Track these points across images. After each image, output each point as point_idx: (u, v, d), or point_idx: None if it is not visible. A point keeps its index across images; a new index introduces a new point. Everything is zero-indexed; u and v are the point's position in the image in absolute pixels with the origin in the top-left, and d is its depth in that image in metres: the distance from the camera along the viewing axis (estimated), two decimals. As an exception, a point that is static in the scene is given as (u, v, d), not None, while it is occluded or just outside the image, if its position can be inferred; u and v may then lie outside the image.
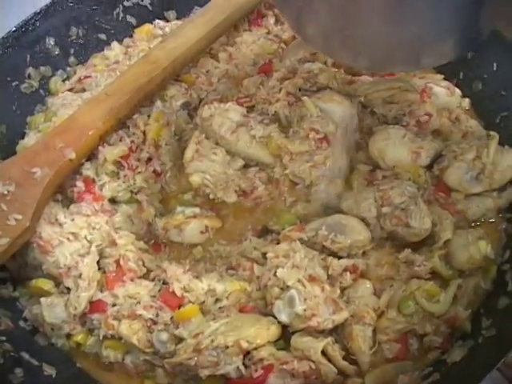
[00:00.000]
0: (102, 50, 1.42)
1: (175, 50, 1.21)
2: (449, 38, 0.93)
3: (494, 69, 1.24)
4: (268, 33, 1.40)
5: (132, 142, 1.17)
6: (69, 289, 1.08)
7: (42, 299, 1.07)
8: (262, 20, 1.41)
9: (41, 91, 1.36)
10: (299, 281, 1.00)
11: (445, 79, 1.27)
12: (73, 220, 1.11)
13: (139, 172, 1.16)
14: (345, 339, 1.00)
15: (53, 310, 1.07)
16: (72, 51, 1.40)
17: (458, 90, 1.26)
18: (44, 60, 1.37)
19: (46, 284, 1.10)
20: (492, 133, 1.11)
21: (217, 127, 1.18)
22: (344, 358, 0.98)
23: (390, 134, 1.14)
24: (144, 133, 1.18)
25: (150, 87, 1.19)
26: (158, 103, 1.22)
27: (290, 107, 1.22)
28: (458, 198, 1.11)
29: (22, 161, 1.10)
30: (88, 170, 1.15)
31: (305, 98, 1.18)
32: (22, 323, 1.11)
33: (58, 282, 1.10)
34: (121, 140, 1.17)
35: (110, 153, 1.14)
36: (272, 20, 1.41)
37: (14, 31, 1.31)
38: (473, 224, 1.11)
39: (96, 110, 1.14)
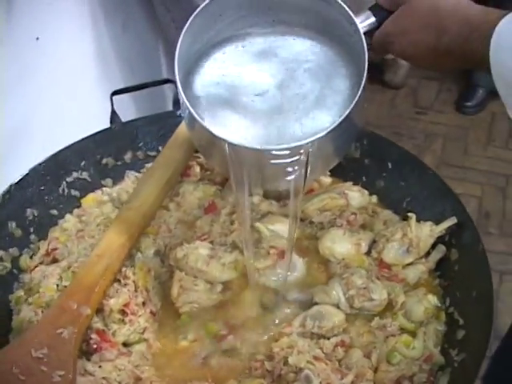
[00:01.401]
0: (57, 223, 1.77)
1: (141, 207, 1.59)
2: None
3: (390, 167, 1.77)
4: (200, 179, 1.85)
5: (128, 290, 1.52)
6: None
7: None
8: (190, 170, 1.86)
9: (14, 270, 1.66)
10: (308, 362, 1.39)
11: (354, 184, 1.80)
12: (100, 367, 1.41)
13: (140, 315, 1.51)
14: (356, 397, 1.40)
15: None
16: (32, 230, 1.73)
17: (365, 191, 1.79)
18: (10, 242, 1.68)
19: (92, 431, 1.39)
20: (410, 214, 1.60)
21: (193, 263, 1.56)
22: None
23: (333, 235, 1.62)
24: (134, 282, 1.54)
25: (132, 242, 1.55)
26: (139, 255, 1.60)
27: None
28: (397, 270, 1.58)
29: (46, 326, 1.39)
30: (97, 323, 1.47)
31: (257, 224, 1.63)
32: None
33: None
34: (117, 291, 1.52)
35: (115, 303, 1.47)
36: (197, 169, 1.87)
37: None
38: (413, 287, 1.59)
39: (95, 270, 1.47)
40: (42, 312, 1.53)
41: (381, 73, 4.04)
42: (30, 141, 1.95)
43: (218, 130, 1.23)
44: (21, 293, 1.63)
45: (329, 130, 1.20)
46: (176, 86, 1.28)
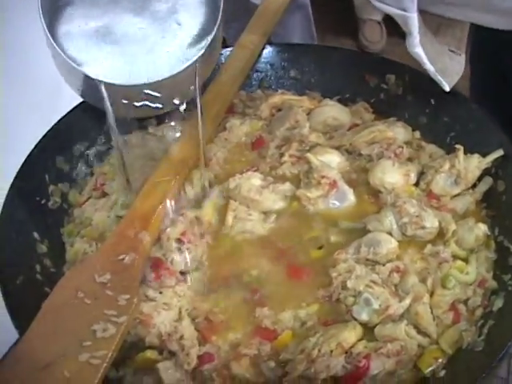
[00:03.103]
0: (104, 159, 1.78)
1: (192, 141, 1.58)
2: None
3: (432, 103, 1.77)
4: (245, 115, 1.85)
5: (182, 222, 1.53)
6: (172, 353, 1.38)
7: (160, 365, 1.33)
8: (233, 107, 1.86)
9: (64, 205, 1.67)
10: (367, 285, 1.40)
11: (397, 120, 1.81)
12: (161, 293, 1.42)
13: (196, 245, 1.51)
14: (413, 319, 1.39)
15: (169, 372, 1.37)
16: (79, 165, 1.74)
17: (408, 127, 1.79)
18: (59, 177, 1.68)
19: (152, 354, 1.37)
20: (458, 146, 1.61)
21: (246, 193, 1.58)
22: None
23: (383, 166, 1.62)
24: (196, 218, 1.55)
25: (185, 172, 1.56)
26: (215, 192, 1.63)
27: (294, 166, 1.68)
28: (446, 201, 1.60)
29: (107, 253, 1.40)
30: (156, 252, 1.48)
31: (308, 155, 1.64)
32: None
33: (159, 351, 1.39)
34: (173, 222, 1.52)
35: (172, 232, 1.48)
36: (241, 106, 1.88)
37: (28, 155, 1.63)
38: (462, 217, 1.60)
39: (152, 197, 1.49)
40: (96, 244, 1.55)
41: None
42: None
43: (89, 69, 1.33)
44: (72, 226, 1.64)
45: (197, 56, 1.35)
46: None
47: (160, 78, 1.33)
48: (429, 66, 1.55)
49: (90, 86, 1.36)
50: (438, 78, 1.58)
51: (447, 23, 1.59)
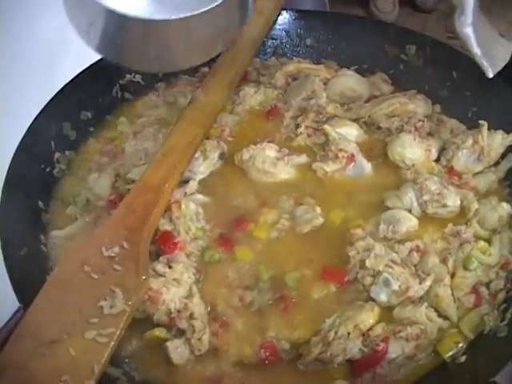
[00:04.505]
0: (111, 126, 1.69)
1: (205, 108, 1.51)
2: None
3: (454, 76, 1.68)
4: (259, 83, 1.76)
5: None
6: (182, 330, 1.32)
7: (169, 343, 1.28)
8: (247, 75, 1.77)
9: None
10: (386, 265, 1.33)
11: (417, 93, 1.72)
12: (171, 268, 1.34)
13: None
14: (433, 301, 1.33)
15: (178, 351, 1.31)
16: (86, 132, 1.66)
17: (428, 100, 1.70)
18: (66, 144, 1.60)
19: (161, 332, 1.30)
20: (481, 121, 1.53)
21: (260, 164, 1.51)
22: (437, 317, 1.33)
23: (403, 140, 1.54)
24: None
25: (197, 142, 1.47)
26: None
27: (310, 138, 1.60)
28: (468, 178, 1.52)
29: (115, 226, 1.32)
30: (165, 225, 1.41)
31: (325, 126, 1.55)
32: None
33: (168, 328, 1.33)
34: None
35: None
36: (255, 74, 1.79)
37: (33, 121, 1.54)
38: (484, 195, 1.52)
39: (161, 169, 1.39)
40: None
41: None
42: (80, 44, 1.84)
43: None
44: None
45: None
46: None
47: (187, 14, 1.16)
48: (476, 50, 1.43)
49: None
50: (484, 62, 1.46)
51: (500, 3, 1.47)
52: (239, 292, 1.36)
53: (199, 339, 1.28)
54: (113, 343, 1.16)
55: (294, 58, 1.85)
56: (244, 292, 1.36)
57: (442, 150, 1.57)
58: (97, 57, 1.63)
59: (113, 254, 1.28)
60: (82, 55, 1.66)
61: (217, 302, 1.35)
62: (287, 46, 1.87)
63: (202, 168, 1.52)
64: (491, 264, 1.38)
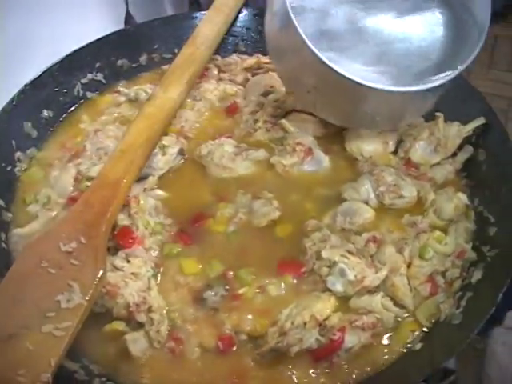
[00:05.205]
0: (72, 124, 1.70)
1: (164, 104, 1.53)
2: None
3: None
4: (220, 80, 1.78)
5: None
6: (141, 323, 1.33)
7: (127, 336, 1.29)
8: (207, 72, 1.79)
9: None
10: (342, 255, 1.35)
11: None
12: (129, 262, 1.36)
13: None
14: (389, 291, 1.35)
15: (137, 344, 1.32)
16: (47, 131, 1.67)
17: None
18: (27, 143, 1.61)
19: (120, 325, 1.31)
20: (437, 113, 1.55)
21: (218, 159, 1.52)
22: (393, 305, 1.35)
23: (360, 133, 1.56)
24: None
25: (155, 138, 1.48)
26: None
27: (268, 133, 1.62)
28: (425, 169, 1.54)
29: (73, 221, 1.33)
30: (123, 220, 1.42)
31: (282, 121, 1.58)
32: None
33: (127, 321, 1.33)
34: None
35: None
36: (215, 70, 1.80)
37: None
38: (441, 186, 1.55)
39: (119, 165, 1.40)
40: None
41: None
42: (43, 45, 1.86)
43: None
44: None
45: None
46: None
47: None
48: None
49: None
50: None
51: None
52: (195, 287, 1.37)
53: (158, 331, 1.29)
54: (69, 336, 1.17)
55: (255, 54, 1.86)
56: (199, 287, 1.37)
57: (399, 142, 1.59)
58: (59, 57, 1.67)
59: (70, 249, 1.29)
60: (45, 55, 1.70)
61: (172, 299, 1.37)
62: (248, 42, 1.90)
63: (161, 164, 1.53)
64: (447, 253, 1.40)
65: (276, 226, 1.46)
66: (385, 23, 1.44)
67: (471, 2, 1.37)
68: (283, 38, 1.37)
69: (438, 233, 1.42)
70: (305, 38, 1.26)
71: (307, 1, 1.40)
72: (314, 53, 1.27)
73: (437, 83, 1.33)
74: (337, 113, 1.52)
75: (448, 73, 1.35)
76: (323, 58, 1.27)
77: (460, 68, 1.34)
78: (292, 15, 1.27)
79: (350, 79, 1.28)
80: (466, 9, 1.39)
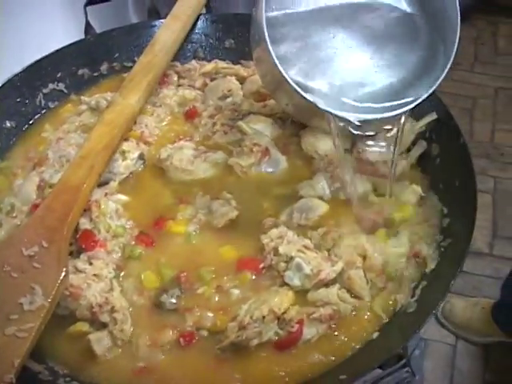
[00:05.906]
0: (35, 134, 1.74)
1: (123, 111, 1.56)
2: None
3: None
4: (179, 85, 1.83)
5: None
6: (104, 324, 1.36)
7: (91, 336, 1.32)
8: (167, 78, 1.83)
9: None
10: (299, 250, 1.39)
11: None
12: (91, 264, 1.39)
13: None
14: (346, 283, 1.39)
15: (101, 343, 1.36)
16: (11, 141, 1.71)
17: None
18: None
19: (83, 326, 1.34)
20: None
21: (178, 162, 1.56)
22: (350, 298, 1.40)
23: (315, 132, 1.61)
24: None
25: (115, 144, 1.52)
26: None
27: (226, 135, 1.67)
28: (380, 165, 1.60)
29: (34, 226, 1.37)
30: (85, 224, 1.46)
31: (239, 123, 1.62)
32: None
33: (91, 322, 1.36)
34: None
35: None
36: (175, 77, 1.85)
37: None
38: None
39: (79, 171, 1.44)
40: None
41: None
42: (2, 55, 1.90)
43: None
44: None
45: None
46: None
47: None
48: None
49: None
50: None
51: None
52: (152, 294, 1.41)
53: (121, 330, 1.33)
54: (32, 337, 1.20)
55: (214, 60, 1.91)
56: (156, 293, 1.41)
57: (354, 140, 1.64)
58: (20, 68, 1.71)
59: (32, 253, 1.33)
60: (5, 66, 1.73)
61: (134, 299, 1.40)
62: (207, 49, 1.94)
63: (122, 169, 1.57)
64: (402, 254, 1.44)
65: (235, 225, 1.50)
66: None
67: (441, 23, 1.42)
68: (262, 51, 1.39)
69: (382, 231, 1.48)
70: (276, 61, 1.30)
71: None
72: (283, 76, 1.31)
73: (405, 109, 1.38)
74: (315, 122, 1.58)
75: (412, 99, 1.40)
76: (292, 83, 1.32)
77: (429, 92, 1.40)
78: (267, 36, 1.29)
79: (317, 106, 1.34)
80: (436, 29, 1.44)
